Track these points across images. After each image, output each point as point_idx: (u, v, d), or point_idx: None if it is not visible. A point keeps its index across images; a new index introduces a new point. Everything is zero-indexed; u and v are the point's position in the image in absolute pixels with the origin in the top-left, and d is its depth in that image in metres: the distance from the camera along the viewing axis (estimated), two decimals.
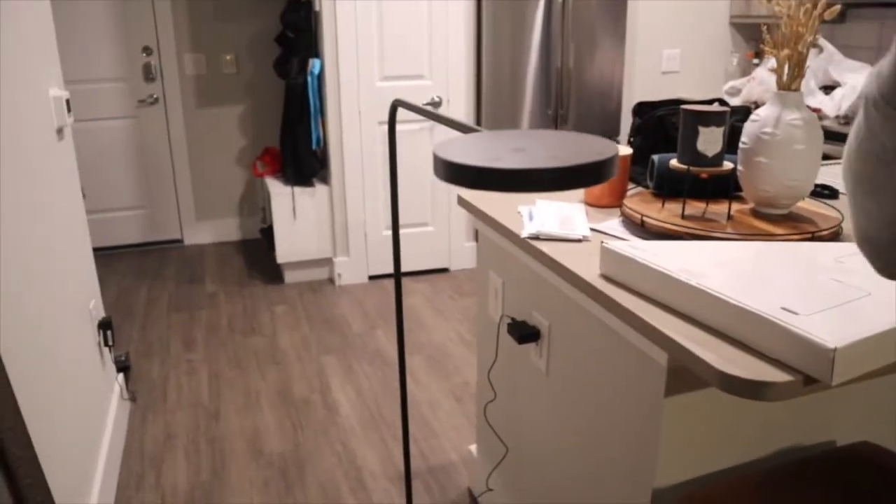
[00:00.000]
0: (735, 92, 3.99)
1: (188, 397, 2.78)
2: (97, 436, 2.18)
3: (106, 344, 2.46)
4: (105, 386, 2.40)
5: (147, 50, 4.22)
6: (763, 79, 3.69)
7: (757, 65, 4.11)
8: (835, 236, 1.42)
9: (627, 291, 1.20)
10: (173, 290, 3.85)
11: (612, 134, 4.17)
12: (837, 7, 1.40)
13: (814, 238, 1.37)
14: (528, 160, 0.53)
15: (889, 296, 1.03)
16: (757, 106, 3.71)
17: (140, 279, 4.03)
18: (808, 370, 0.92)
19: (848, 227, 1.54)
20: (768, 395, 0.92)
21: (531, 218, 1.59)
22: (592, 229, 1.53)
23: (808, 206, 1.59)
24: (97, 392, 2.26)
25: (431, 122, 3.81)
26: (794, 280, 1.08)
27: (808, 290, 1.04)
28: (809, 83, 3.46)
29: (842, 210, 1.66)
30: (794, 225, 1.43)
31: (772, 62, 3.72)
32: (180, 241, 4.61)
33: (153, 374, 2.96)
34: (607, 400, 1.35)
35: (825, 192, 1.81)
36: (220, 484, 2.27)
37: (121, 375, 2.69)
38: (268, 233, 4.07)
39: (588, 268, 1.31)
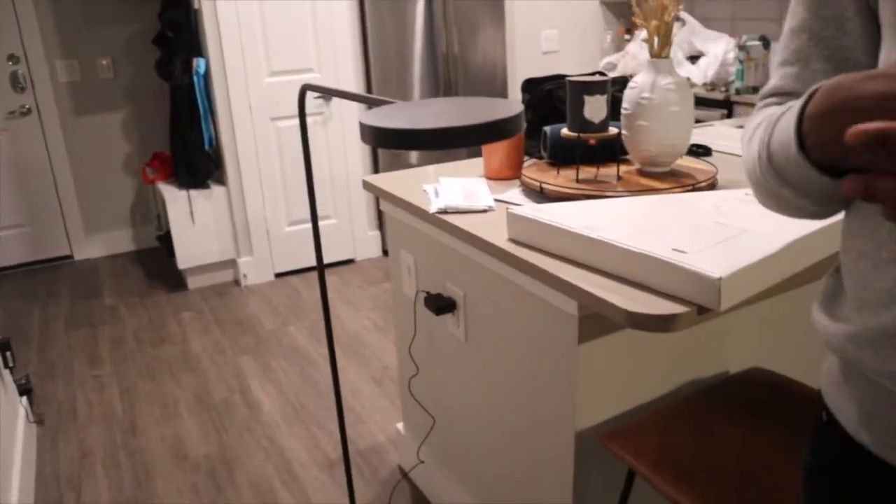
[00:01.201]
0: (611, 67, 4.20)
1: (100, 413, 2.70)
2: (6, 463, 2.10)
3: (6, 366, 2.36)
4: (9, 410, 2.31)
5: (13, 58, 4.00)
6: (635, 53, 3.91)
7: (629, 41, 4.35)
8: (711, 187, 1.57)
9: (535, 251, 1.29)
10: (69, 308, 3.70)
11: None
12: None
13: (694, 189, 1.51)
14: (450, 120, 0.59)
15: (762, 231, 1.17)
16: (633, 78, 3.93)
17: (30, 300, 3.84)
18: (700, 300, 1.04)
19: (721, 177, 1.70)
20: (671, 327, 1.03)
21: (437, 195, 1.66)
22: (496, 200, 1.62)
23: (687, 163, 1.74)
24: (1, 417, 2.18)
25: (325, 115, 3.82)
26: (681, 226, 1.20)
27: (694, 232, 1.17)
28: (677, 55, 3.70)
29: (715, 164, 1.82)
30: (676, 180, 1.57)
31: (643, 34, 3.95)
32: (70, 256, 4.41)
33: (58, 394, 2.86)
34: (525, 356, 1.45)
35: (700, 151, 1.97)
36: (147, 495, 2.23)
37: (24, 398, 2.59)
38: (165, 239, 3.97)
39: (496, 234, 1.40)
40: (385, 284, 3.78)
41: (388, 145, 0.59)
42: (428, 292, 1.76)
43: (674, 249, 1.09)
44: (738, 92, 3.32)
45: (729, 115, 3.33)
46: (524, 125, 0.60)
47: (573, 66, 4.53)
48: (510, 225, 1.35)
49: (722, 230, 1.17)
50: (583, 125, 1.57)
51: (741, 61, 3.26)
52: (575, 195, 1.51)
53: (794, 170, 0.66)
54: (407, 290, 1.91)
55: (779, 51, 0.82)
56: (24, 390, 2.60)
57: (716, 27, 3.94)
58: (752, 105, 3.25)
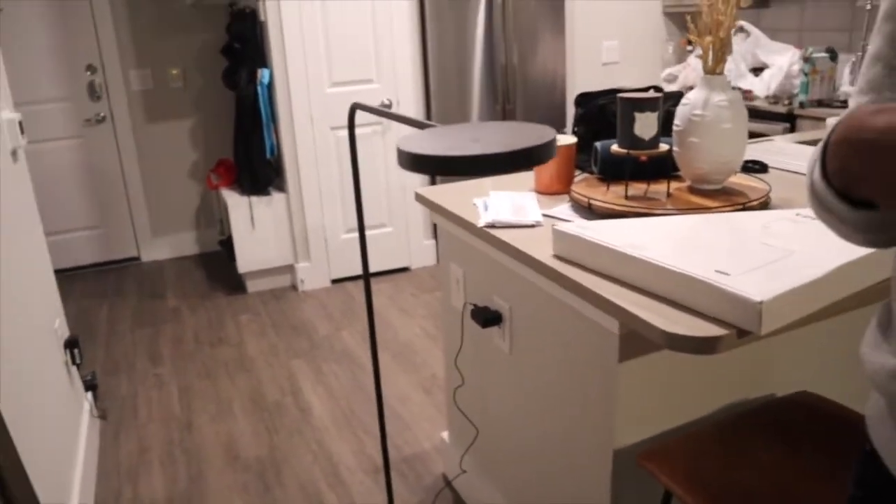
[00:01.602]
0: (672, 79, 4.15)
1: (159, 411, 2.80)
2: (70, 455, 2.20)
3: (73, 363, 2.48)
4: (75, 405, 2.42)
5: (91, 68, 4.20)
6: (696, 65, 3.85)
7: (691, 52, 4.28)
8: (764, 206, 1.54)
9: (579, 268, 1.30)
10: (135, 307, 3.85)
11: (558, 124, 4.30)
12: None
13: (745, 208, 1.48)
14: (483, 147, 0.61)
15: (810, 253, 1.14)
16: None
17: (100, 298, 4.01)
18: (741, 324, 1.02)
19: (775, 195, 1.66)
20: (709, 349, 1.02)
21: (486, 208, 1.68)
22: (544, 215, 1.63)
23: (740, 180, 1.71)
24: (67, 411, 2.28)
25: (384, 125, 3.88)
26: (726, 246, 1.19)
27: (739, 253, 1.15)
28: (740, 66, 3.63)
29: (769, 182, 1.78)
30: (727, 198, 1.55)
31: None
32: (137, 258, 4.59)
33: (122, 390, 2.98)
34: (566, 371, 1.45)
35: (756, 168, 1.94)
36: (199, 491, 2.31)
37: (89, 394, 2.71)
38: (227, 244, 4.09)
39: (542, 250, 1.40)
40: (438, 293, 3.81)
41: (421, 170, 0.61)
42: (475, 305, 1.78)
43: (717, 271, 1.08)
44: (801, 105, 3.23)
45: (792, 130, 3.24)
46: (555, 152, 0.61)
47: (634, 77, 4.49)
48: (555, 241, 1.36)
49: (768, 252, 1.16)
50: (633, 142, 1.56)
51: (806, 74, 3.18)
52: (623, 212, 1.50)
53: (824, 195, 0.67)
54: (455, 302, 1.93)
55: (859, 76, 0.81)
56: (90, 386, 2.72)
57: (782, 38, 3.85)
58: (816, 119, 3.16)
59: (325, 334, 3.39)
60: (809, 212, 1.35)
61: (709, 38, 1.52)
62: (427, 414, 2.68)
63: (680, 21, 4.50)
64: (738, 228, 1.28)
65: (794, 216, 1.33)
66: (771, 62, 3.52)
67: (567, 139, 1.82)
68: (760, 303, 0.99)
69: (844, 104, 3.19)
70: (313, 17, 3.59)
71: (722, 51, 1.52)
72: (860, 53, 2.05)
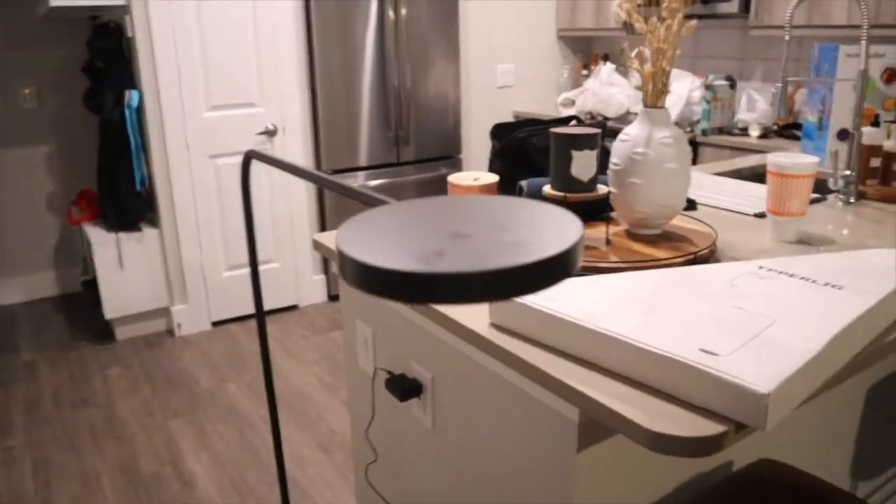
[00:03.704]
0: (569, 103, 4.08)
1: (8, 494, 2.36)
2: None
3: None
4: None
5: None
6: (595, 90, 3.79)
7: (586, 76, 4.23)
8: (712, 254, 1.40)
9: (524, 340, 1.08)
10: None
11: (453, 151, 4.13)
12: (694, 22, 1.38)
13: (696, 259, 1.33)
14: (480, 252, 0.38)
15: (793, 321, 0.98)
16: (592, 117, 3.80)
17: None
18: (740, 417, 0.84)
19: (722, 242, 1.53)
20: (707, 450, 0.83)
21: (400, 302, 1.45)
22: None
23: (677, 221, 1.56)
24: None
25: (268, 150, 3.57)
26: (697, 313, 1.01)
27: (717, 323, 0.98)
28: (640, 94, 3.58)
29: (709, 223, 1.65)
30: (673, 245, 1.39)
31: (635, 77, 3.84)
32: None
33: None
34: (509, 456, 1.23)
35: (686, 206, 1.81)
36: None
37: None
38: (91, 285, 3.63)
39: (475, 316, 1.18)
40: (331, 333, 3.52)
41: (387, 294, 0.38)
42: (390, 372, 1.53)
43: (701, 350, 0.90)
44: (704, 133, 3.21)
45: (694, 157, 3.21)
46: (580, 260, 0.39)
47: (529, 101, 4.40)
48: (493, 308, 1.14)
49: (748, 320, 0.99)
50: (569, 183, 1.38)
51: (708, 101, 3.16)
52: None
53: None
54: (363, 364, 1.68)
55: None
56: None
57: (677, 65, 3.85)
58: (718, 146, 3.14)
59: (208, 387, 3.03)
60: (773, 264, 1.21)
61: (650, 68, 1.36)
62: (327, 478, 2.39)
63: (575, 45, 4.46)
64: (703, 288, 1.11)
65: (757, 269, 1.18)
66: (670, 89, 3.50)
67: (489, 177, 1.62)
68: (767, 395, 0.81)
69: (743, 131, 3.19)
70: (188, 34, 3.24)
71: (664, 82, 1.37)
72: (780, 85, 1.98)
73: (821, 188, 2.02)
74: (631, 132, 1.39)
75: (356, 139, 3.75)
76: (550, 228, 0.41)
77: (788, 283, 1.12)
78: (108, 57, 3.30)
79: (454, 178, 1.54)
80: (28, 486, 2.40)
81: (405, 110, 3.86)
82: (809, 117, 2.45)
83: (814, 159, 1.48)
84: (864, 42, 1.81)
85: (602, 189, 1.41)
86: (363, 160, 3.80)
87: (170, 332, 3.59)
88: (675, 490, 1.29)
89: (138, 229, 3.42)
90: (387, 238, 0.41)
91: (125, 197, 3.36)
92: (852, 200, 1.87)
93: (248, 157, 0.96)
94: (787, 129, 3.10)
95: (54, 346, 3.49)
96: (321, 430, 2.68)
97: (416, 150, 3.99)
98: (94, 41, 3.33)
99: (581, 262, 0.45)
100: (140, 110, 3.30)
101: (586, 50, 4.52)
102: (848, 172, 1.88)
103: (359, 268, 0.39)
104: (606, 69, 3.86)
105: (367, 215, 0.46)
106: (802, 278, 1.14)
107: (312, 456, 2.52)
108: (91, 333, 3.62)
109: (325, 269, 3.91)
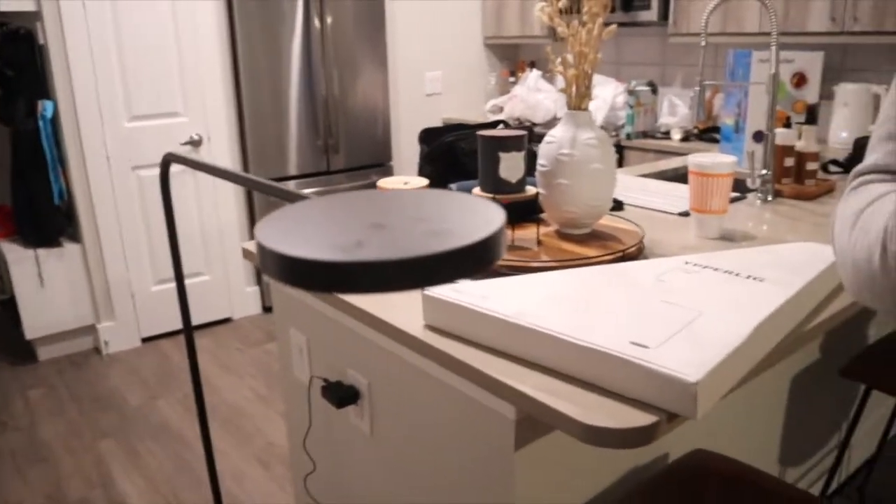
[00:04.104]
0: (497, 110, 4.13)
1: None
2: None
3: None
4: None
5: None
6: (523, 96, 3.84)
7: (513, 83, 4.29)
8: (640, 252, 1.43)
9: (459, 341, 1.09)
10: None
11: (383, 159, 4.13)
12: (614, 27, 1.41)
13: (624, 256, 1.36)
14: (399, 242, 0.38)
15: (718, 311, 1.02)
16: (520, 123, 3.86)
17: None
18: (671, 406, 0.86)
19: (648, 240, 1.57)
20: (640, 441, 0.85)
21: (319, 292, 1.43)
22: None
23: (605, 221, 1.60)
24: None
25: None
26: (628, 308, 1.04)
27: (647, 317, 1.00)
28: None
29: (636, 222, 1.69)
30: (602, 244, 1.42)
31: (529, 81, 3.90)
32: None
33: None
34: (447, 459, 1.23)
35: (613, 206, 1.85)
36: None
37: None
38: (9, 305, 3.47)
39: (408, 318, 1.18)
40: (267, 345, 3.46)
41: (309, 285, 0.37)
42: (326, 380, 1.51)
43: (632, 343, 0.92)
44: (628, 137, 3.29)
45: (620, 161, 3.29)
46: (504, 246, 0.39)
47: (457, 108, 4.43)
48: (427, 309, 1.14)
49: (675, 313, 1.02)
50: (498, 185, 1.39)
51: (632, 106, 3.25)
52: (496, 267, 1.32)
53: None
54: (299, 373, 1.65)
55: (880, 123, 0.69)
56: None
57: (601, 71, 3.95)
58: (642, 150, 3.23)
59: (138, 405, 2.93)
60: (698, 259, 1.24)
61: (573, 72, 1.39)
62: (267, 492, 2.34)
63: (501, 52, 4.51)
64: (632, 283, 1.14)
65: (684, 265, 1.22)
66: (595, 94, 3.58)
67: (418, 181, 1.62)
68: (696, 383, 0.83)
69: (666, 135, 3.29)
70: (104, 40, 3.14)
71: (587, 84, 1.40)
72: (697, 88, 2.05)
73: (740, 188, 2.10)
74: (556, 134, 1.42)
75: (285, 148, 3.70)
76: (472, 218, 0.42)
77: (713, 277, 1.16)
78: (19, 65, 3.16)
79: (383, 183, 1.54)
80: None
81: (334, 118, 3.84)
82: (727, 121, 2.55)
83: (732, 159, 1.54)
84: (773, 48, 1.89)
85: (531, 190, 1.43)
86: (293, 169, 3.76)
87: (97, 350, 3.46)
88: (614, 484, 1.31)
89: (58, 244, 3.29)
90: (306, 231, 0.41)
91: (43, 211, 3.22)
92: (770, 198, 1.95)
93: (167, 160, 0.94)
94: (707, 133, 3.21)
95: None
96: (258, 443, 2.62)
97: (347, 157, 3.96)
98: (3, 49, 3.18)
99: (504, 253, 0.45)
100: (55, 121, 3.18)
101: (513, 57, 4.59)
102: (764, 172, 1.95)
103: (279, 260, 0.39)
104: (533, 76, 3.92)
105: (286, 210, 0.46)
106: (726, 272, 1.18)
107: (250, 470, 2.46)
108: (10, 354, 3.45)
109: (259, 281, 3.84)
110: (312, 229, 0.42)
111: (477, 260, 0.39)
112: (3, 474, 2.49)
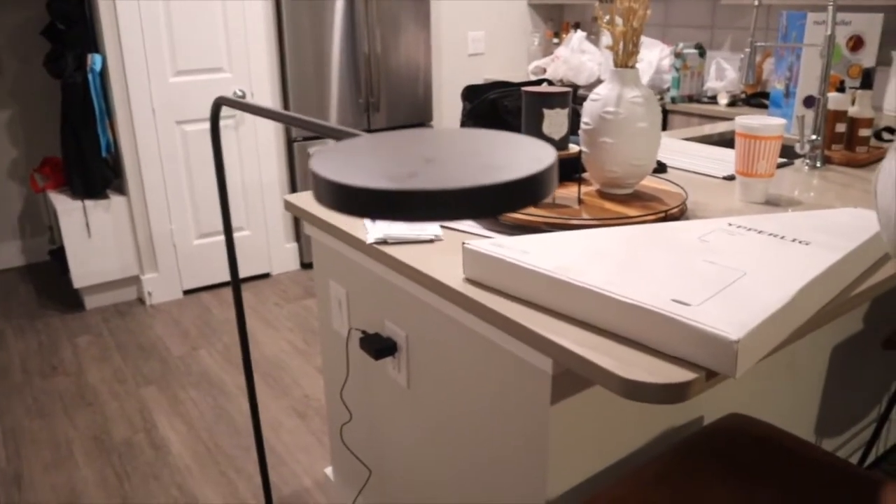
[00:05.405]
0: (540, 71, 4.07)
1: None
2: None
3: None
4: None
5: None
6: (566, 58, 3.78)
7: (557, 44, 4.23)
8: (682, 213, 1.42)
9: (496, 294, 1.09)
10: None
11: (425, 118, 4.11)
12: None
13: (667, 216, 1.35)
14: (452, 173, 0.38)
15: (763, 272, 1.01)
16: (563, 84, 3.80)
17: None
18: (711, 364, 0.86)
19: (692, 202, 1.55)
20: (676, 397, 0.85)
21: (374, 220, 1.44)
22: (443, 227, 1.42)
23: (649, 183, 1.58)
24: None
25: (237, 118, 3.52)
26: (670, 266, 1.03)
27: (689, 276, 1.00)
28: (609, 60, 3.59)
29: (681, 185, 1.67)
30: (644, 205, 1.41)
31: (574, 42, 3.83)
32: None
33: None
34: (483, 412, 1.25)
35: (656, 168, 1.83)
36: None
37: None
38: (59, 254, 3.57)
39: (448, 271, 1.19)
40: (305, 301, 3.51)
41: (357, 211, 0.38)
42: (364, 331, 1.54)
43: (673, 300, 0.92)
44: (673, 100, 3.23)
45: (664, 125, 3.23)
46: (556, 182, 0.39)
47: (500, 68, 4.38)
48: (467, 263, 1.15)
49: (719, 273, 1.01)
50: None
51: (678, 69, 3.18)
52: (536, 223, 1.32)
53: None
54: (337, 325, 1.68)
55: None
56: None
57: (647, 33, 3.86)
58: (687, 114, 3.17)
59: (180, 355, 3.01)
60: (742, 221, 1.23)
61: (621, 28, 1.36)
62: (304, 443, 2.40)
63: (545, 13, 4.44)
64: (674, 243, 1.13)
65: (727, 227, 1.20)
66: (640, 57, 3.50)
67: None
68: (737, 341, 0.83)
69: (712, 100, 3.22)
70: None
71: (635, 42, 1.38)
72: (748, 49, 2.00)
73: (788, 153, 2.05)
74: (602, 92, 1.40)
75: (326, 106, 3.71)
76: (524, 154, 0.42)
77: (758, 239, 1.14)
78: (69, 19, 3.21)
79: None
80: None
81: (375, 76, 3.83)
82: (777, 85, 2.48)
83: (781, 121, 1.50)
84: (830, 9, 1.83)
85: (573, 148, 1.42)
86: None
87: (140, 300, 3.55)
88: (648, 444, 1.32)
89: (105, 196, 3.36)
90: (360, 162, 0.42)
91: (91, 163, 3.29)
92: (818, 165, 1.91)
93: (218, 103, 0.95)
94: (755, 98, 3.13)
95: (22, 315, 3.43)
96: (296, 395, 2.69)
97: (388, 116, 3.96)
98: (54, 3, 3.23)
99: (555, 189, 0.45)
100: (104, 75, 3.23)
101: (557, 17, 4.51)
102: (814, 137, 1.91)
103: (333, 188, 0.39)
104: (577, 37, 3.86)
105: (341, 144, 0.46)
106: (771, 234, 1.17)
107: (288, 422, 2.52)
108: (59, 303, 3.56)
109: (297, 237, 3.89)
110: (366, 161, 0.42)
111: (529, 194, 0.39)
112: (53, 416, 2.59)
